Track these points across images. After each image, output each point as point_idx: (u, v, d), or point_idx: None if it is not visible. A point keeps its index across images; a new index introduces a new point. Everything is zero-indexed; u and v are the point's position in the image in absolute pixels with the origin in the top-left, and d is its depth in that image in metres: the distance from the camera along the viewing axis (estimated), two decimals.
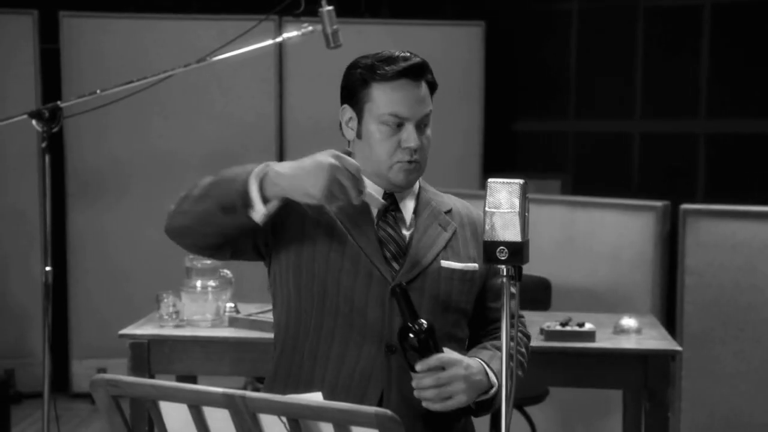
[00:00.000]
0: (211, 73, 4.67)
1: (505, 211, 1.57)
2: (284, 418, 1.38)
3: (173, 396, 1.42)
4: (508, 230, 1.57)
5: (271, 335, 2.87)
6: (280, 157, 4.87)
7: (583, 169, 5.51)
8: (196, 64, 2.99)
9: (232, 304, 2.97)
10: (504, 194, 1.57)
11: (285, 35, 3.07)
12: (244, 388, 4.36)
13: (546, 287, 3.42)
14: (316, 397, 1.51)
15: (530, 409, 3.43)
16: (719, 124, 5.19)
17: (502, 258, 1.57)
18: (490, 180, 1.59)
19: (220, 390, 1.38)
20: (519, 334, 2.00)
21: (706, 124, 5.22)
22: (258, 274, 4.12)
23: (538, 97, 5.62)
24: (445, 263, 1.89)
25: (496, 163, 5.20)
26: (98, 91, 2.92)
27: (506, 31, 5.51)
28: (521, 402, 3.29)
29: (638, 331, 2.83)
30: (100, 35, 4.73)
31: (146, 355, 2.79)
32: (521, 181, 1.58)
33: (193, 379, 3.08)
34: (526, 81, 5.62)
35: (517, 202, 1.57)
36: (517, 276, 1.59)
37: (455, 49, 4.96)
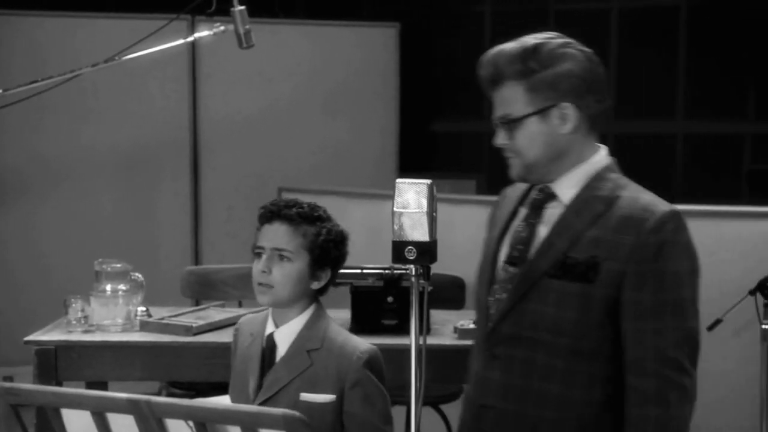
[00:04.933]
0: (124, 73, 4.57)
1: (413, 211, 1.59)
2: (191, 423, 1.36)
3: (76, 403, 1.40)
4: (416, 230, 1.58)
5: (183, 338, 2.84)
6: (194, 157, 4.82)
7: (497, 169, 5.58)
8: (104, 64, 2.93)
9: (144, 308, 2.92)
10: (412, 194, 1.59)
11: (197, 35, 3.03)
12: (159, 393, 4.28)
13: (460, 286, 3.46)
14: (224, 401, 1.50)
15: (445, 407, 3.46)
16: (625, 125, 5.33)
17: (411, 258, 1.59)
18: (398, 180, 1.60)
19: (124, 396, 1.35)
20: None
21: (615, 125, 5.35)
22: (170, 277, 4.07)
23: (453, 98, 5.68)
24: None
25: (412, 163, 5.23)
26: (0, 91, 2.83)
27: (421, 32, 5.55)
28: (436, 400, 3.31)
29: None
30: (4, 33, 4.59)
31: (53, 362, 2.71)
32: (428, 181, 1.60)
33: (104, 386, 3.02)
34: (441, 82, 5.67)
35: (424, 202, 1.58)
36: (425, 275, 1.61)
37: (371, 49, 4.97)
